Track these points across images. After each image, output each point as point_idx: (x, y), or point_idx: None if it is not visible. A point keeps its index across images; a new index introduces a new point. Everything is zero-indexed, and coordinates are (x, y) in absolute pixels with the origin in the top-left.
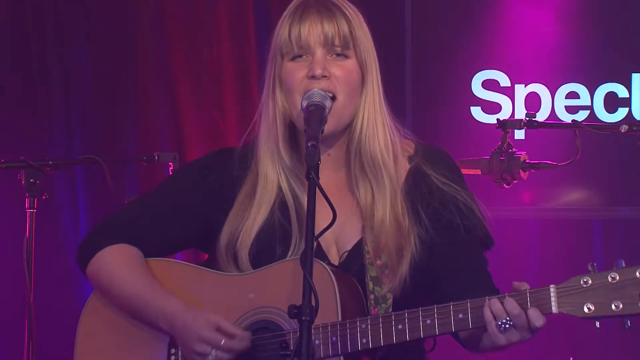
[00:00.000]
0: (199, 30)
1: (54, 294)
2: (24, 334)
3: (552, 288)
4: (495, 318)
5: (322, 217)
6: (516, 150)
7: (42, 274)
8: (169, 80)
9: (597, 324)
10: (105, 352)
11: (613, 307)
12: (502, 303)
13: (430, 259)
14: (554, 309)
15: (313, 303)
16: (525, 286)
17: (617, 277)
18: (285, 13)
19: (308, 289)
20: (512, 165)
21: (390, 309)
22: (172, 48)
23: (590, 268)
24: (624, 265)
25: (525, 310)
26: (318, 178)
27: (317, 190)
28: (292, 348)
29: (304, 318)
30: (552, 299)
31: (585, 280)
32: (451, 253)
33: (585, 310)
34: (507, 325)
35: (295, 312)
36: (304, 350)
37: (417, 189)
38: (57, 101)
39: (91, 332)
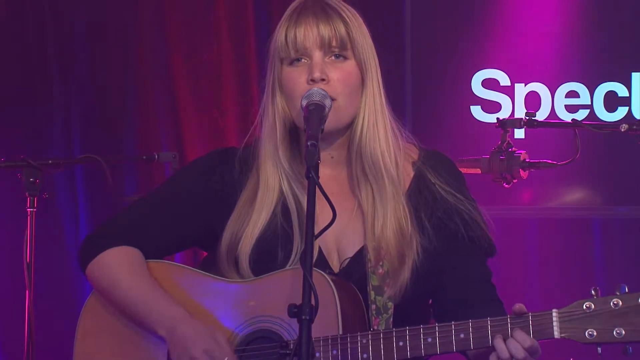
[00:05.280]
0: (199, 30)
1: (54, 293)
2: (24, 334)
3: (554, 313)
4: (497, 357)
5: (323, 218)
6: (516, 149)
7: (42, 273)
8: (169, 80)
9: (599, 349)
10: (104, 354)
11: (615, 333)
12: (505, 342)
13: (433, 268)
14: (556, 334)
15: (313, 303)
16: (524, 309)
17: (620, 303)
18: (282, 17)
19: (308, 288)
20: (512, 165)
21: (391, 320)
22: (172, 48)
23: (593, 292)
24: (627, 290)
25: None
26: (318, 177)
27: (318, 190)
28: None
29: (303, 317)
30: (554, 323)
31: (587, 305)
32: (455, 264)
33: (587, 336)
34: None
35: (295, 311)
36: (303, 349)
37: (421, 196)
38: (57, 100)
39: (90, 333)
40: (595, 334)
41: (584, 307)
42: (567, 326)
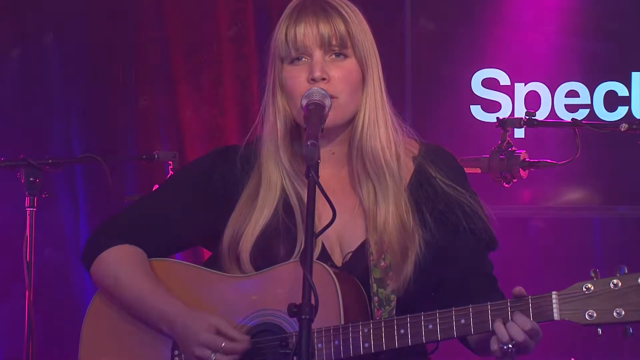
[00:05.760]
0: (199, 30)
1: (53, 292)
2: (24, 334)
3: (554, 294)
4: (498, 341)
5: (326, 216)
6: (516, 148)
7: (41, 273)
8: (169, 80)
9: (599, 331)
10: (110, 354)
11: (615, 314)
12: (505, 326)
13: (435, 261)
14: (556, 316)
15: (313, 302)
16: (523, 292)
17: (619, 284)
18: (282, 16)
19: (307, 287)
20: (512, 164)
21: (394, 312)
22: (172, 48)
23: (592, 274)
24: (626, 271)
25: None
26: (318, 177)
27: (318, 189)
28: (292, 347)
29: (303, 317)
30: (554, 305)
31: (587, 286)
32: (457, 257)
33: (587, 317)
34: (510, 350)
35: (294, 310)
36: (303, 349)
37: (422, 190)
38: (57, 100)
39: (95, 334)
40: (595, 315)
41: (584, 288)
42: (567, 308)
